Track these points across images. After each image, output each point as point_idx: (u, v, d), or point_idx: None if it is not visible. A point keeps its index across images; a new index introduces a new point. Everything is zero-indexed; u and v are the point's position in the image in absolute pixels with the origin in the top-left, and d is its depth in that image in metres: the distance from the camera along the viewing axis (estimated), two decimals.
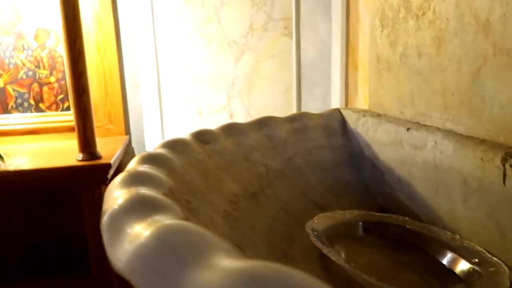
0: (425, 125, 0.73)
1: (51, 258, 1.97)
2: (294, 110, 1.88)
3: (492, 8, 0.60)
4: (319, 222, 0.65)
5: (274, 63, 1.89)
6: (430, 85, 0.74)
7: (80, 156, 1.49)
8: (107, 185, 1.60)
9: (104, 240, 0.41)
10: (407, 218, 0.67)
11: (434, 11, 0.72)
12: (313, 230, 0.62)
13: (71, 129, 1.81)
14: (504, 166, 0.53)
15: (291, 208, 0.76)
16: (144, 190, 0.47)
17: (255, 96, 1.91)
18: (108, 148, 1.61)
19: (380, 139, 0.81)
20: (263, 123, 0.87)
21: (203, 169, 0.69)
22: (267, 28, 1.88)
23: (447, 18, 0.69)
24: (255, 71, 1.89)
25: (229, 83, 1.89)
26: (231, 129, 0.83)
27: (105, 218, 0.43)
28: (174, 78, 1.89)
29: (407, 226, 0.66)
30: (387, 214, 0.70)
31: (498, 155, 0.54)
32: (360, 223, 0.67)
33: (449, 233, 0.62)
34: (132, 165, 0.60)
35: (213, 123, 1.88)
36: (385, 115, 0.87)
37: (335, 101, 1.79)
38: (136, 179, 0.52)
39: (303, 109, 1.87)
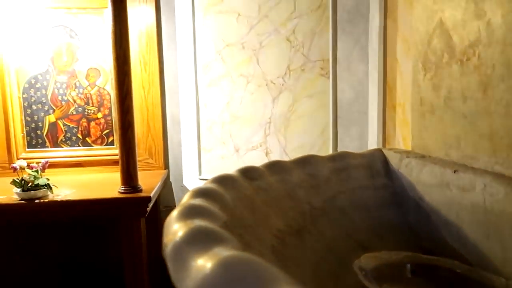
0: (472, 168, 0.73)
1: (89, 286, 2.01)
2: (330, 149, 1.89)
3: None
4: (366, 261, 0.64)
5: (311, 102, 1.93)
6: (477, 128, 0.74)
7: (122, 188, 1.54)
8: (146, 217, 1.62)
9: (170, 270, 0.43)
10: (456, 261, 0.66)
11: (479, 57, 0.74)
12: (360, 269, 0.62)
13: (114, 163, 1.89)
14: None
15: (335, 247, 0.76)
16: (203, 223, 0.50)
17: (292, 135, 1.94)
18: (147, 182, 1.67)
19: (425, 181, 0.81)
20: (306, 162, 0.89)
21: (251, 205, 0.71)
22: (304, 69, 1.94)
23: (493, 64, 0.70)
24: (291, 110, 1.94)
25: (266, 121, 1.94)
26: (275, 167, 0.85)
27: (168, 250, 0.46)
28: (213, 115, 1.96)
29: (457, 270, 0.64)
30: (435, 257, 0.69)
31: None
32: (408, 265, 0.66)
33: (503, 279, 0.60)
34: (186, 199, 0.63)
35: (250, 160, 1.92)
36: (430, 156, 0.87)
37: (372, 141, 1.79)
38: (193, 212, 0.54)
39: (340, 149, 1.88)
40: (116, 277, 1.96)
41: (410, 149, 1.00)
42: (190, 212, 0.55)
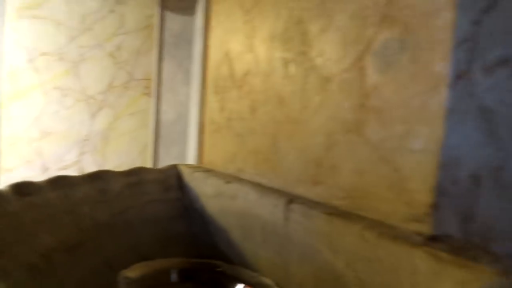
0: (240, 178, 0.84)
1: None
2: None
3: None
4: (135, 270, 0.67)
5: (133, 121, 1.91)
6: (246, 145, 0.86)
7: None
8: None
9: None
10: (219, 261, 0.74)
11: (249, 84, 0.86)
12: (126, 278, 0.63)
13: None
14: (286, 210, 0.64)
15: (116, 261, 0.76)
16: None
17: (110, 153, 1.87)
18: None
19: (207, 192, 0.89)
20: (97, 177, 0.88)
21: (16, 222, 0.66)
22: (128, 87, 1.91)
23: (258, 90, 0.83)
24: (112, 128, 1.88)
25: (82, 138, 1.83)
26: (59, 182, 0.81)
27: None
28: (18, 131, 1.76)
29: (220, 269, 0.72)
30: (204, 260, 0.75)
31: (282, 201, 0.65)
32: (173, 270, 0.71)
33: (253, 272, 0.70)
34: None
35: None
36: (214, 170, 0.96)
37: (191, 160, 1.86)
38: None
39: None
40: None
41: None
42: None
